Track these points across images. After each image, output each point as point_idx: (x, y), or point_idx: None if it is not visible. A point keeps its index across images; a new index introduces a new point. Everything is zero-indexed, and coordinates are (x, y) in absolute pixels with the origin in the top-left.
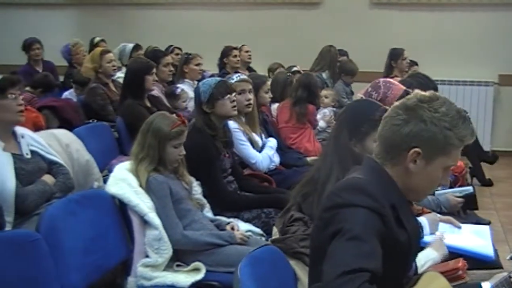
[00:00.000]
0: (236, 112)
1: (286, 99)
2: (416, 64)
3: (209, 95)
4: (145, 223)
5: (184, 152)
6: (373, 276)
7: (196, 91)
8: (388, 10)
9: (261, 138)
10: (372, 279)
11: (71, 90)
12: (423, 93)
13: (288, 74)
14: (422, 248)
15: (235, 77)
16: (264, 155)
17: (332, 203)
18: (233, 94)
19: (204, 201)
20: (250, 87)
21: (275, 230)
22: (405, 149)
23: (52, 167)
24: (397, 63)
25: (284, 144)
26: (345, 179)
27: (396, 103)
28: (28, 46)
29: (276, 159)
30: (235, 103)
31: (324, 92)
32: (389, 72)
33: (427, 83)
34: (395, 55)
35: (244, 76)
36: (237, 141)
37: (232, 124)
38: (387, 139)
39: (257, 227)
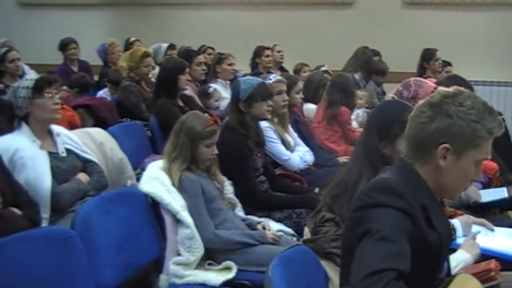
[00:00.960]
0: (270, 116)
1: (323, 100)
2: (450, 64)
3: (249, 95)
4: (177, 221)
5: (216, 152)
6: (401, 275)
7: (236, 88)
8: (420, 10)
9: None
10: (399, 278)
11: (106, 89)
12: (446, 89)
13: (323, 75)
14: (454, 250)
15: (272, 78)
16: (298, 158)
17: (362, 203)
18: (270, 99)
19: (236, 200)
20: (286, 87)
21: (306, 230)
22: (433, 146)
23: (86, 165)
24: (429, 64)
25: (315, 144)
26: (376, 179)
27: (421, 102)
28: (65, 45)
29: (310, 156)
30: (271, 108)
31: (358, 93)
32: (421, 72)
33: (463, 85)
34: (428, 55)
35: (280, 77)
36: (268, 139)
37: (263, 123)
38: (414, 138)
39: (288, 227)
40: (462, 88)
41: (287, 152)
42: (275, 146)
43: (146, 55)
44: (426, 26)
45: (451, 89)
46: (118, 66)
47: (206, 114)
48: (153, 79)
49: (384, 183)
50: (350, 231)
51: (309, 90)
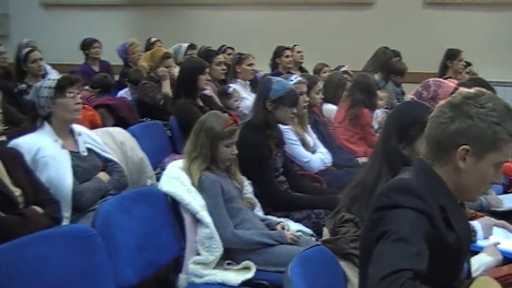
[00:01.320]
0: (290, 122)
1: (344, 101)
2: (470, 64)
3: (279, 96)
4: (197, 221)
5: (236, 152)
6: (417, 276)
7: (267, 85)
8: (442, 10)
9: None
10: (416, 278)
11: (126, 89)
12: (468, 90)
13: (343, 76)
14: (475, 253)
15: (293, 79)
16: (318, 159)
17: (381, 204)
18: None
19: (255, 200)
20: (306, 88)
21: (325, 231)
22: (453, 147)
23: (107, 165)
24: (452, 63)
25: (335, 144)
26: (394, 179)
27: (442, 102)
28: (88, 45)
29: (328, 157)
30: (293, 116)
31: (379, 94)
32: (443, 72)
33: (486, 88)
34: (452, 55)
35: (301, 78)
36: (288, 141)
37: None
38: (434, 139)
39: (307, 227)
40: (483, 90)
41: (308, 154)
42: (296, 148)
43: (166, 56)
44: (446, 26)
45: (472, 90)
46: (138, 66)
47: (226, 114)
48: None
49: (402, 184)
50: (369, 232)
51: (329, 90)
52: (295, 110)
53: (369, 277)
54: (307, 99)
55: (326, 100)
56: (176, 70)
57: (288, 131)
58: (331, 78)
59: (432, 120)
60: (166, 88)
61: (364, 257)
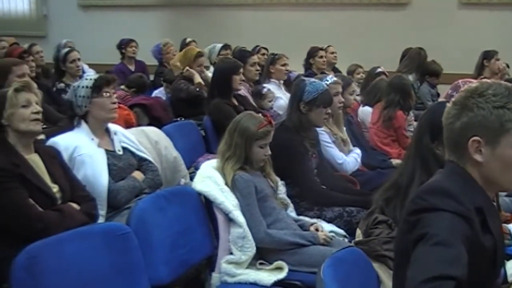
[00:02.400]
0: (323, 124)
1: (380, 102)
2: (508, 66)
3: (312, 98)
4: (230, 220)
5: (269, 152)
6: (458, 283)
7: (300, 87)
8: (477, 10)
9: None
10: (457, 287)
11: (161, 89)
12: (471, 85)
13: (376, 74)
14: (510, 257)
15: (328, 79)
16: (351, 158)
17: (417, 206)
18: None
19: (288, 201)
20: (341, 89)
21: (358, 232)
22: (465, 143)
23: (142, 163)
24: (489, 63)
25: (368, 146)
26: (429, 182)
27: (449, 103)
28: (125, 44)
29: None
30: (327, 117)
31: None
32: (480, 72)
33: None
34: (488, 56)
35: (336, 78)
36: (323, 143)
37: None
38: (448, 140)
39: (339, 226)
40: (486, 80)
41: (342, 155)
42: (330, 150)
43: (199, 55)
44: (482, 26)
45: (475, 83)
46: (172, 65)
47: (260, 115)
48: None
49: (438, 186)
50: (405, 235)
51: (372, 95)
52: (329, 111)
53: (408, 280)
54: (342, 99)
55: (367, 104)
56: (210, 71)
57: (322, 133)
58: (377, 84)
59: (443, 122)
60: (198, 79)
61: (399, 260)
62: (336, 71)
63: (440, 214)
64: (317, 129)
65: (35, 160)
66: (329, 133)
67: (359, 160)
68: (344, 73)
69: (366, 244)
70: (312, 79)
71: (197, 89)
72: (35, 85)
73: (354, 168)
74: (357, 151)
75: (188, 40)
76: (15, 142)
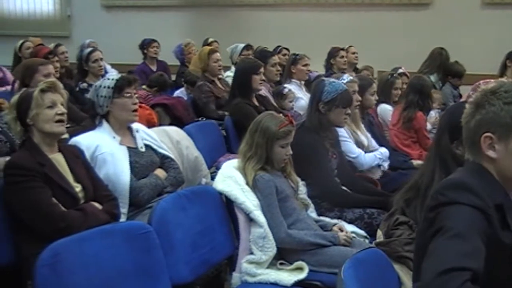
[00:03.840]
0: (344, 124)
1: (399, 103)
2: None
3: (332, 98)
4: (251, 220)
5: (290, 152)
6: (475, 276)
7: (319, 87)
8: (501, 9)
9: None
10: (474, 279)
11: (182, 89)
12: (488, 85)
13: (393, 75)
14: None
15: (345, 78)
16: (371, 155)
17: (436, 202)
18: (350, 107)
19: (309, 201)
20: (357, 88)
21: (379, 233)
22: (479, 140)
23: (164, 161)
24: None
25: (389, 147)
26: (448, 178)
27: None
28: (147, 44)
29: (384, 158)
30: (348, 117)
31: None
32: (503, 72)
33: None
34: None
35: (352, 77)
36: (340, 138)
37: None
38: (466, 139)
39: (360, 228)
40: (502, 79)
41: (357, 150)
42: (346, 144)
43: (212, 51)
44: (506, 27)
45: (492, 83)
46: (191, 65)
47: (281, 115)
48: (229, 80)
49: (457, 181)
50: (424, 232)
51: (378, 90)
52: (349, 111)
53: (423, 273)
54: (359, 98)
55: (380, 100)
56: (231, 71)
57: (339, 129)
58: (381, 79)
59: (462, 122)
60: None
61: (417, 256)
62: (357, 71)
63: (458, 208)
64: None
65: (58, 160)
66: (346, 129)
67: (379, 157)
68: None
69: (387, 245)
70: (332, 79)
71: (213, 108)
72: (61, 86)
73: (372, 164)
74: (382, 150)
75: (210, 40)
76: (39, 141)
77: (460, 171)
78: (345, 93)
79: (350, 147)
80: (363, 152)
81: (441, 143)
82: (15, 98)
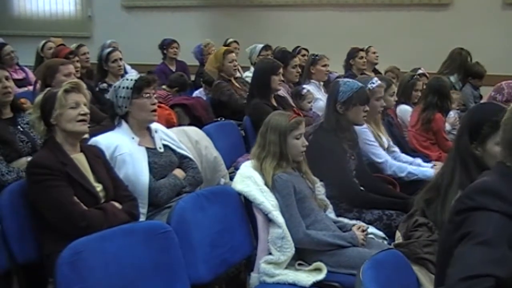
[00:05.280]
0: (364, 122)
1: (418, 104)
2: None
3: (348, 97)
4: (269, 221)
5: (306, 143)
6: (499, 283)
7: (335, 88)
8: None
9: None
10: (497, 286)
11: (202, 89)
12: None
13: (413, 76)
14: None
15: (374, 82)
16: (404, 166)
17: (464, 206)
18: (367, 104)
19: (327, 201)
20: (383, 93)
21: (398, 235)
22: None
23: (182, 161)
24: None
25: (409, 148)
26: (478, 181)
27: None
28: (167, 45)
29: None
30: (367, 113)
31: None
32: None
33: None
34: None
35: (381, 82)
36: (365, 141)
37: None
38: (503, 141)
39: (378, 229)
40: None
41: (384, 155)
42: (372, 148)
43: (227, 51)
44: None
45: None
46: (207, 66)
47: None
48: (248, 80)
49: (486, 186)
50: (450, 235)
51: (399, 91)
52: (367, 108)
53: (448, 278)
54: (384, 104)
55: (399, 101)
56: (250, 71)
57: (365, 131)
58: (402, 80)
59: (506, 123)
60: None
61: (442, 259)
62: (376, 72)
63: (487, 214)
64: (360, 127)
65: (80, 159)
66: (371, 131)
67: (415, 172)
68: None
69: (406, 246)
70: (346, 79)
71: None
72: (84, 86)
73: (399, 173)
74: (425, 170)
75: (230, 40)
76: (62, 141)
77: (489, 174)
78: (361, 90)
79: (377, 151)
80: (389, 158)
81: (460, 144)
82: (39, 98)
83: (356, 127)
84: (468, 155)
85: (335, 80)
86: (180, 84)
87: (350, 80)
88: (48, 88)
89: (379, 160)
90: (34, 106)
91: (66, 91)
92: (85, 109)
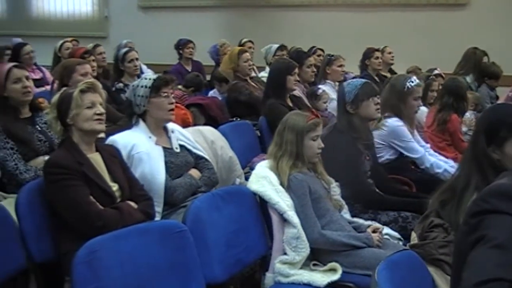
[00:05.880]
0: (379, 115)
1: (435, 105)
2: None
3: (354, 96)
4: (284, 221)
5: (322, 145)
6: None
7: (341, 91)
8: None
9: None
10: None
11: (216, 89)
12: None
13: (430, 76)
14: None
15: (413, 80)
16: (440, 163)
17: (479, 208)
18: (377, 96)
19: (343, 202)
20: (421, 93)
21: (413, 235)
22: None
23: (198, 161)
24: None
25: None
26: (493, 184)
27: None
28: (183, 45)
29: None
30: (379, 106)
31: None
32: None
33: None
34: None
35: (419, 81)
36: (403, 139)
37: (395, 121)
38: None
39: (394, 231)
40: None
41: (420, 150)
42: (409, 143)
43: (242, 51)
44: None
45: None
46: (222, 66)
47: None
48: (264, 80)
49: (503, 189)
50: (464, 237)
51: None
52: (377, 100)
53: (462, 282)
54: (421, 104)
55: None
56: (266, 71)
57: (401, 128)
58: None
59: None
60: None
61: (457, 262)
62: (392, 72)
63: (502, 217)
64: (395, 124)
65: (96, 159)
66: (408, 128)
67: (448, 169)
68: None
69: (421, 247)
70: (350, 80)
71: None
72: (100, 85)
73: (437, 169)
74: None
75: (244, 40)
76: (78, 141)
77: (506, 175)
78: (364, 85)
79: (414, 147)
80: (426, 153)
81: (477, 146)
82: (55, 98)
83: (393, 124)
84: (485, 158)
85: (341, 84)
86: (195, 84)
87: (354, 79)
88: (64, 88)
89: (417, 155)
90: (50, 106)
91: (82, 91)
92: (101, 109)
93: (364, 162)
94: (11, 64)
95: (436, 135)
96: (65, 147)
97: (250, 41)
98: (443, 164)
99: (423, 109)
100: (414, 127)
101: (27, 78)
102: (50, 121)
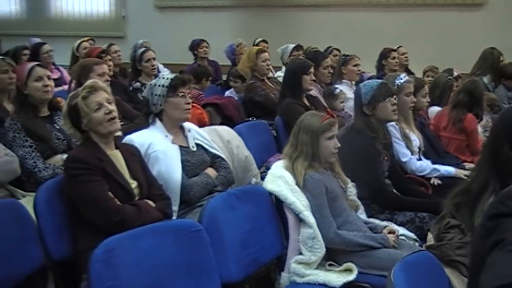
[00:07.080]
0: (396, 117)
1: (446, 106)
2: None
3: (370, 97)
4: (300, 221)
5: (338, 144)
6: None
7: (357, 92)
8: None
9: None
10: None
11: (232, 89)
12: None
13: (449, 77)
14: None
15: (402, 77)
16: (426, 165)
17: (496, 211)
18: (394, 97)
19: (359, 202)
20: (413, 89)
21: (430, 236)
22: None
23: (214, 160)
24: None
25: (441, 149)
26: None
27: None
28: (197, 45)
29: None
30: (395, 107)
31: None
32: None
33: None
34: None
35: (409, 78)
36: (392, 138)
37: None
38: None
39: (410, 231)
40: None
41: (408, 153)
42: (397, 145)
43: (260, 51)
44: None
45: None
46: (240, 65)
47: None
48: (279, 79)
49: None
50: (481, 240)
51: (435, 93)
52: (394, 101)
53: (480, 285)
54: (414, 100)
55: (433, 103)
56: (282, 71)
57: (393, 128)
58: (437, 80)
59: None
60: None
61: (474, 266)
62: (409, 72)
63: None
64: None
65: (116, 156)
66: (399, 129)
67: (433, 174)
68: (420, 74)
69: (437, 248)
70: (366, 81)
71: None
72: (99, 83)
73: (423, 172)
74: (448, 168)
75: (258, 40)
76: (98, 140)
77: None
78: (380, 86)
79: (401, 149)
80: (413, 157)
81: (499, 151)
82: (65, 109)
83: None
84: (507, 164)
85: (357, 85)
86: (200, 73)
87: (370, 80)
88: (71, 93)
89: (403, 159)
90: (63, 117)
91: (84, 98)
92: (109, 107)
93: (382, 162)
94: (34, 63)
95: (451, 137)
96: (85, 145)
97: (264, 40)
98: (429, 165)
99: (436, 109)
100: (412, 125)
101: (48, 77)
102: (68, 130)
